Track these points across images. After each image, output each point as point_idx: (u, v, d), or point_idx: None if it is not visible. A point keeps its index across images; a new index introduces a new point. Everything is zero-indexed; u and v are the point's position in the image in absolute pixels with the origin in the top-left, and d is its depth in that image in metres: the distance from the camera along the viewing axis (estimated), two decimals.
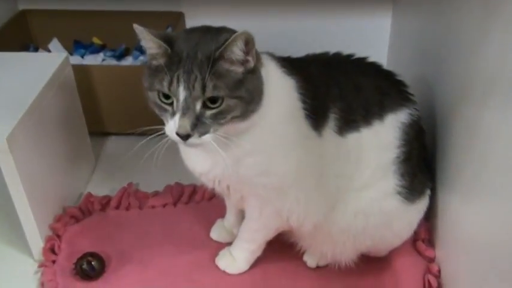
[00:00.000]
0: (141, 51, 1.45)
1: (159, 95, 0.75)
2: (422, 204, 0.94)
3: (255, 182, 0.84)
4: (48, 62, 1.07)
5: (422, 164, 0.93)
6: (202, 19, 1.39)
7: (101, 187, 1.18)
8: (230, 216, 1.03)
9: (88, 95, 1.23)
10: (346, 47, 0.95)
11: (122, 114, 1.30)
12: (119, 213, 1.11)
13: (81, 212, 1.09)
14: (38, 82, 1.00)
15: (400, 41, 1.34)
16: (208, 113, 0.74)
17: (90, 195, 1.14)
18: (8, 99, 0.97)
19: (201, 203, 1.13)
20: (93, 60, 1.44)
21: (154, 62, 0.76)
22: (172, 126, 0.74)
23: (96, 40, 1.48)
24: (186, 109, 0.73)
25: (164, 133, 0.76)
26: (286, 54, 0.88)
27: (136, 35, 0.74)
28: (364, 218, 0.89)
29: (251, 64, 0.75)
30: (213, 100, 0.73)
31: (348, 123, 0.86)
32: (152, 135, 0.78)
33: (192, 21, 1.44)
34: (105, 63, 1.44)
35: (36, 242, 1.00)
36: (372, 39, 1.39)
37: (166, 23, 1.40)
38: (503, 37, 0.71)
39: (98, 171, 1.24)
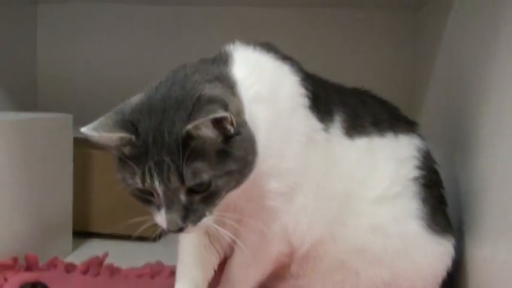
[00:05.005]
0: None
1: (135, 189, 0.64)
2: (445, 247, 0.80)
3: (264, 191, 0.72)
4: None
5: (443, 202, 0.83)
6: None
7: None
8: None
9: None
10: None
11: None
12: (84, 278, 0.92)
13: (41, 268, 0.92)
14: None
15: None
16: (197, 197, 0.62)
17: (55, 259, 0.96)
18: None
19: None
20: None
21: (117, 152, 0.63)
22: (161, 220, 0.63)
23: None
24: (170, 203, 0.62)
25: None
26: None
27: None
28: (383, 237, 0.76)
29: (230, 131, 0.62)
30: (199, 185, 0.61)
31: (355, 128, 0.80)
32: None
33: None
34: None
35: None
36: None
37: None
38: None
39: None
